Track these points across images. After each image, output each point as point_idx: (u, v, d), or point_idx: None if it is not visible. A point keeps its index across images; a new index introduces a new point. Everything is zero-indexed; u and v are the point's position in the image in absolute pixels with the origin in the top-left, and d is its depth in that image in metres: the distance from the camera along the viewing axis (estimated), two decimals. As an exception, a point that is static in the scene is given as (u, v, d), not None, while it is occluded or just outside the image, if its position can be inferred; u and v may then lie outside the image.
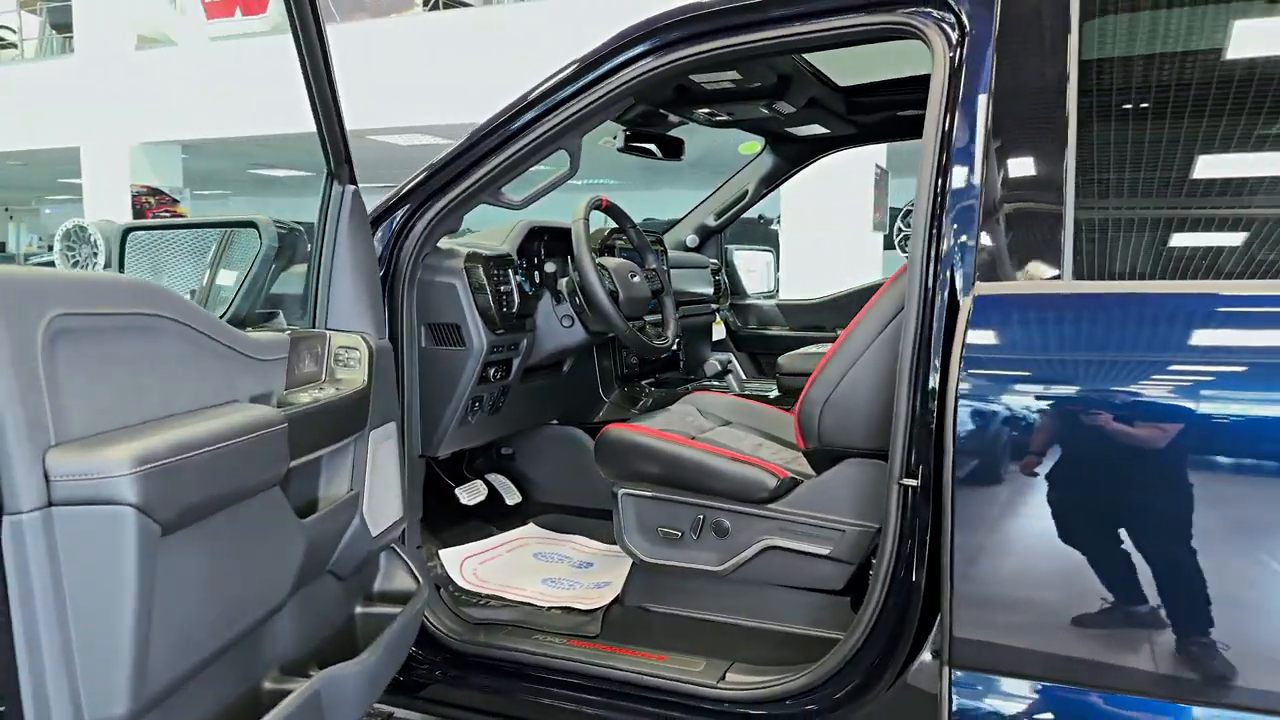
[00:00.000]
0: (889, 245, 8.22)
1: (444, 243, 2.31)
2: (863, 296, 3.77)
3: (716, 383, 3.00)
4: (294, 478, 1.54)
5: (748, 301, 3.92)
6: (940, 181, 1.60)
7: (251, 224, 2.04)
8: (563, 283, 2.42)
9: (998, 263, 1.48)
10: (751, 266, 4.11)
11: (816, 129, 3.16)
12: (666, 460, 2.14)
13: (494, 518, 2.85)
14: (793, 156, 3.53)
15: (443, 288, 2.25)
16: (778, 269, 4.20)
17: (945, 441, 1.41)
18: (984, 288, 1.45)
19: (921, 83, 1.71)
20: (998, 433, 1.37)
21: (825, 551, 1.99)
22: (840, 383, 1.94)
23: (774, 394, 2.96)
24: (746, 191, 3.63)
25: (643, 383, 3.06)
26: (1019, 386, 1.38)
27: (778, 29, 1.79)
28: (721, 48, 1.85)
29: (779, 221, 8.86)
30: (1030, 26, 1.57)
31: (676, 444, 2.15)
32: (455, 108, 8.51)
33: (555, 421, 2.90)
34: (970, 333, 1.40)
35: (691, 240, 3.75)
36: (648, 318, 2.61)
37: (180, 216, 10.32)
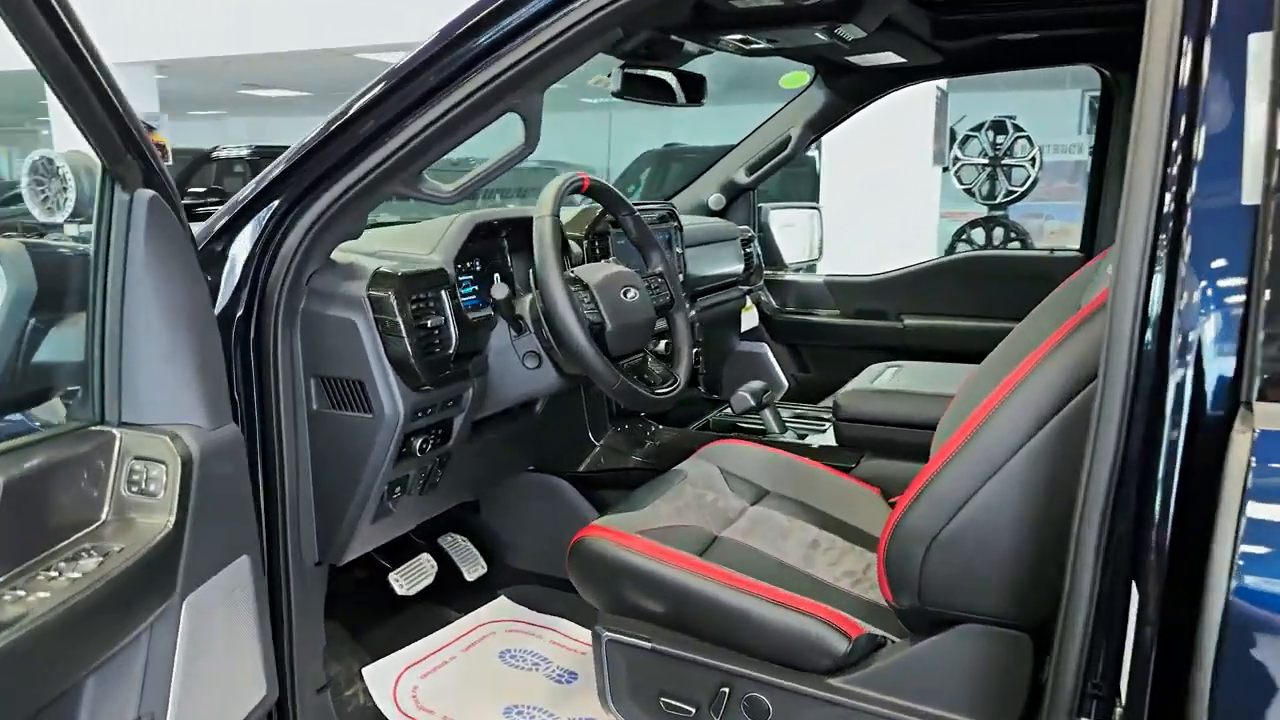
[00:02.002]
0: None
1: (341, 253, 1.54)
2: (939, 274, 2.96)
3: (750, 418, 2.24)
4: None
5: (786, 277, 3.11)
6: (1176, 170, 0.85)
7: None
8: (525, 304, 1.64)
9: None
10: (791, 226, 3.29)
11: (888, 57, 2.31)
12: (674, 595, 1.40)
13: (450, 594, 2.13)
14: (853, 92, 2.68)
15: (337, 325, 1.48)
16: (822, 228, 3.37)
17: (1196, 681, 0.74)
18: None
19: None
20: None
21: (923, 772, 1.26)
22: (964, 508, 1.17)
23: (825, 431, 2.19)
24: (789, 138, 2.79)
25: (646, 418, 2.29)
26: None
27: None
28: None
29: (817, 149, 7.91)
30: None
31: (690, 571, 1.40)
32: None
33: (531, 469, 2.16)
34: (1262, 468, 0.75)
35: (715, 202, 2.93)
36: (652, 346, 1.83)
37: (159, 145, 9.51)
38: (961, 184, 7.11)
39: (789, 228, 3.32)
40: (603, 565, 1.46)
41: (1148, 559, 0.85)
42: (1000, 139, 6.95)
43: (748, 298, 2.92)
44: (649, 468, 2.07)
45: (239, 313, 1.42)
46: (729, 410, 2.12)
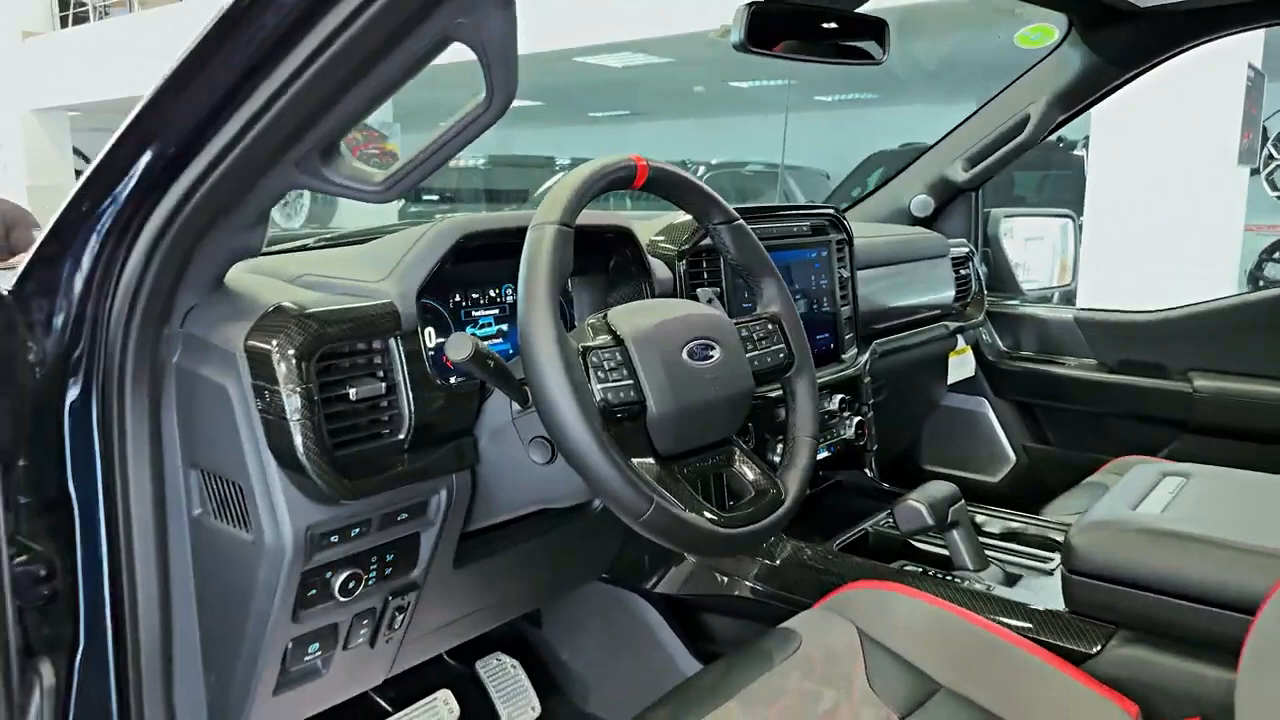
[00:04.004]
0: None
1: (245, 276, 1.01)
2: (1248, 315, 2.02)
3: (929, 538, 1.46)
4: None
5: (1021, 309, 2.28)
6: None
7: None
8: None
9: None
10: (1032, 241, 2.46)
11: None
12: None
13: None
14: (1125, 51, 1.85)
15: (208, 392, 0.94)
16: (1078, 242, 2.50)
17: None
18: None
19: None
20: None
21: None
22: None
23: (1052, 572, 1.39)
24: (1026, 118, 1.99)
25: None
26: None
27: None
28: None
29: (1085, 145, 6.71)
30: None
31: None
32: (681, 11, 7.06)
33: (604, 576, 1.53)
34: None
35: (920, 206, 2.18)
36: (744, 441, 1.16)
37: (391, 153, 9.73)
38: (1275, 190, 5.71)
39: (1030, 242, 2.49)
40: None
41: None
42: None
43: (960, 336, 2.14)
44: (762, 597, 1.39)
45: (72, 377, 0.92)
46: (893, 521, 1.38)
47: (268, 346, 0.90)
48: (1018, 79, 2.04)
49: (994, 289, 2.30)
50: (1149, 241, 4.58)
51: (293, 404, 0.89)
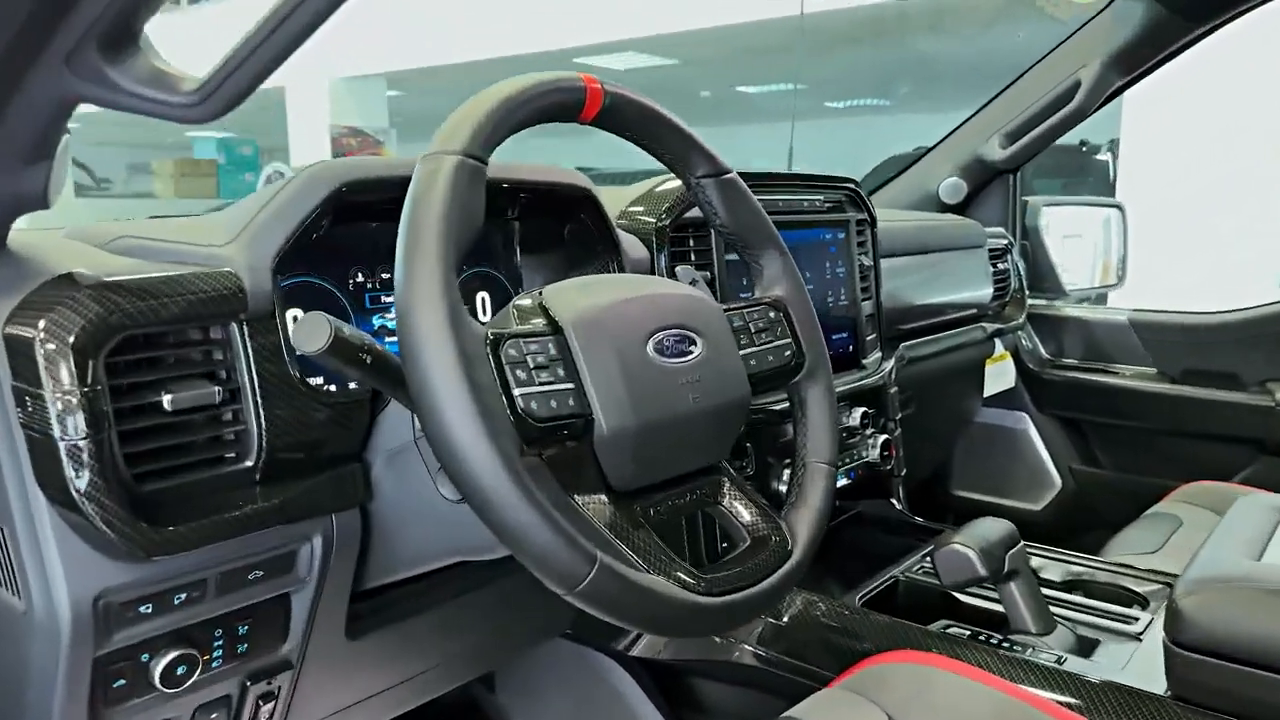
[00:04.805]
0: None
1: (38, 236, 0.72)
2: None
3: (977, 592, 1.14)
4: None
5: (1066, 311, 1.99)
6: None
7: None
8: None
9: None
10: (1075, 237, 2.16)
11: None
12: None
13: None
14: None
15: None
16: (1126, 239, 2.20)
17: None
18: None
19: None
20: None
21: None
22: None
23: (1136, 629, 1.08)
24: (1076, 84, 1.70)
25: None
26: None
27: None
28: None
29: (1110, 149, 6.38)
30: None
31: None
32: (683, 9, 6.80)
33: (567, 633, 1.23)
34: None
35: (950, 191, 1.88)
36: (740, 464, 0.86)
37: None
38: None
39: (1073, 238, 2.19)
40: None
41: None
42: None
43: (998, 341, 1.84)
44: (765, 665, 1.09)
45: None
46: (931, 567, 1.07)
47: (30, 332, 0.61)
48: (1065, 40, 1.75)
49: (1033, 288, 2.00)
50: (1198, 230, 4.24)
51: (65, 416, 0.60)
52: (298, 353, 0.62)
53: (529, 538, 0.59)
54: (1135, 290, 2.18)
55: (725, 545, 0.79)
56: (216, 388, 0.68)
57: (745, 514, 0.76)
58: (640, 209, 1.08)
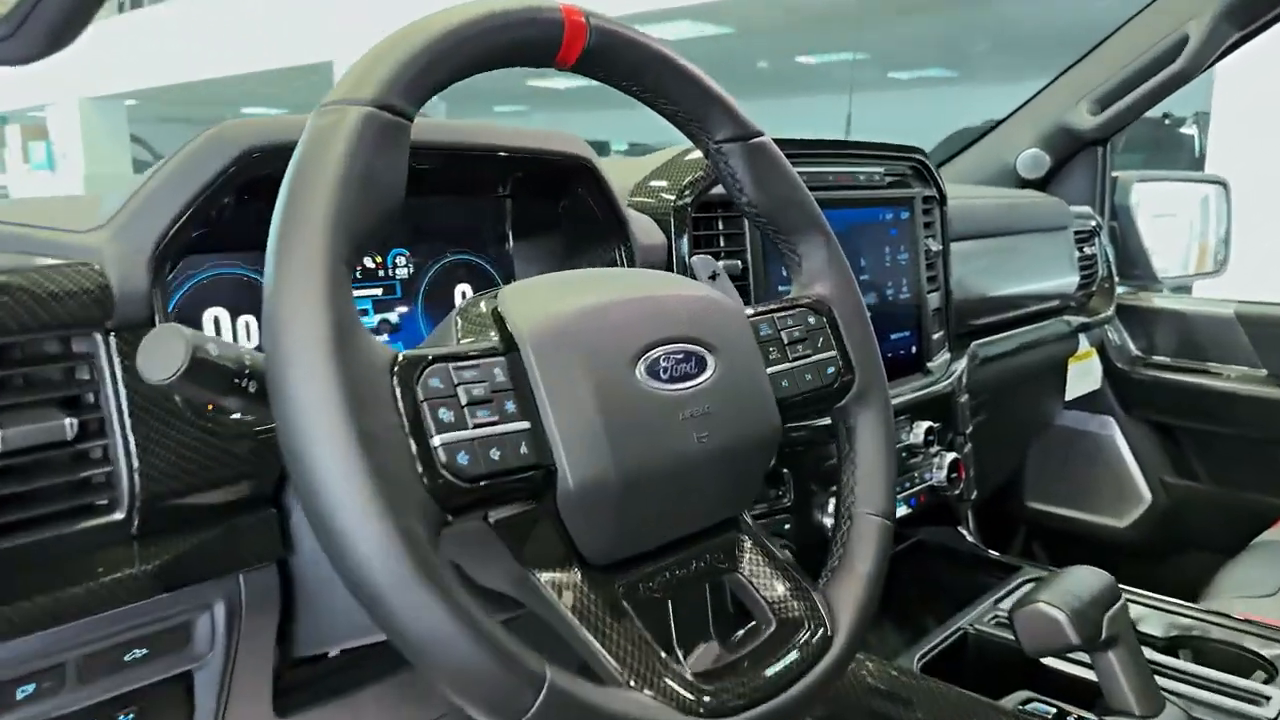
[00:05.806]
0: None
1: None
2: None
3: (1074, 660, 0.93)
4: None
5: (1158, 302, 1.75)
6: None
7: None
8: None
9: None
10: (1169, 216, 1.92)
11: None
12: None
13: None
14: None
15: None
16: (1229, 219, 1.94)
17: None
18: None
19: None
20: None
21: None
22: None
23: (1270, 712, 0.88)
24: (1184, 39, 1.47)
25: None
26: None
27: None
28: None
29: (1195, 122, 5.98)
30: None
31: None
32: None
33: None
34: None
35: (1030, 164, 1.66)
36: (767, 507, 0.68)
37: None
38: None
39: (1164, 217, 1.95)
40: None
41: None
42: None
43: (1083, 336, 1.62)
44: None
45: None
46: (1005, 622, 0.86)
47: None
48: (1168, -9, 1.51)
49: (1123, 276, 1.77)
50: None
51: None
52: (144, 380, 0.45)
53: (443, 653, 0.41)
54: (1229, 279, 1.93)
55: (739, 623, 0.61)
56: (69, 420, 0.52)
57: (771, 586, 0.58)
58: (661, 183, 0.90)
